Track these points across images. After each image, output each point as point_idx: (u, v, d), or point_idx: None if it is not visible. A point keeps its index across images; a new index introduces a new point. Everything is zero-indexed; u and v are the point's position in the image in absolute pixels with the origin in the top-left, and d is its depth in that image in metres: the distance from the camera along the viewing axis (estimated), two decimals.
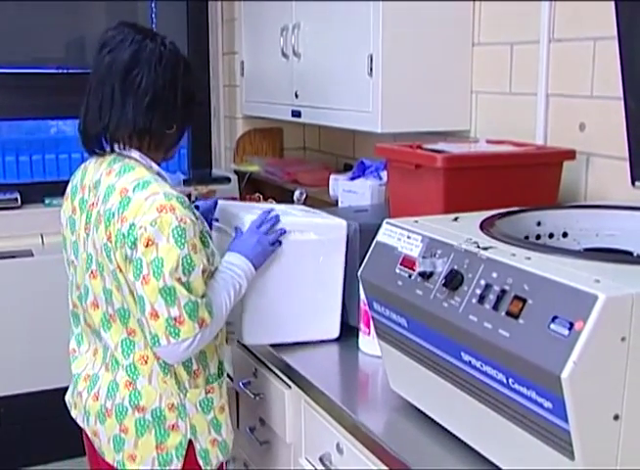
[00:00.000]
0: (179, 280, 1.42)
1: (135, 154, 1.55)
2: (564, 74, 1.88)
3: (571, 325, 0.94)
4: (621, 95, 1.55)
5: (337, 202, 2.28)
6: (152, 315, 1.43)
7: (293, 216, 1.77)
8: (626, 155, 1.58)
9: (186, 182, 2.90)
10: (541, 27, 1.91)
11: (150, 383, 1.54)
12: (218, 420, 1.64)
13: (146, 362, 1.54)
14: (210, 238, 1.63)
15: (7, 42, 3.14)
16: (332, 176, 2.39)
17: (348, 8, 2.21)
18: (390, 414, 1.46)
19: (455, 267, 1.16)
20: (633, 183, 1.62)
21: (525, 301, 1.02)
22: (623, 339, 0.95)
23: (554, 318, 0.97)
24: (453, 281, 1.14)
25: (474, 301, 1.10)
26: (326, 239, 1.74)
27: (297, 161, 3.08)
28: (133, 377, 1.54)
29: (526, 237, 1.47)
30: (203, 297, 1.47)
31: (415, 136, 2.15)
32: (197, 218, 1.53)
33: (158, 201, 1.43)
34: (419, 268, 1.21)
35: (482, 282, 1.10)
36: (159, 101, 1.53)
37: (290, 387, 1.73)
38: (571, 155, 1.72)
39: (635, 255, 1.41)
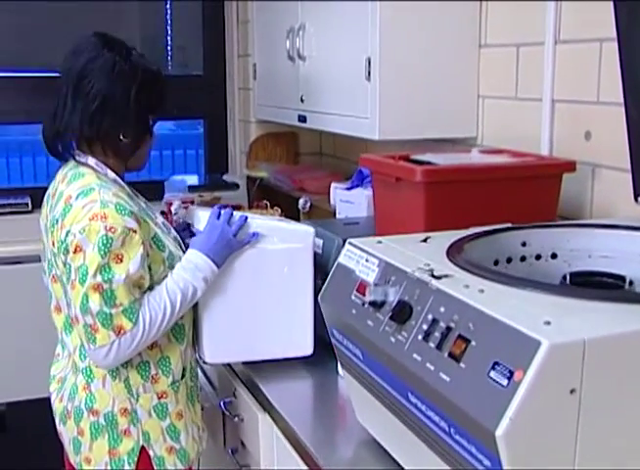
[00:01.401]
0: (97, 288, 1.42)
1: (91, 161, 1.55)
2: (569, 78, 1.74)
3: (511, 374, 0.82)
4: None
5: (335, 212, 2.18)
6: (76, 319, 1.47)
7: (255, 219, 1.65)
8: None
9: (192, 188, 2.82)
10: (547, 27, 1.76)
11: (104, 386, 1.55)
12: (176, 427, 1.61)
13: None
14: (179, 242, 1.61)
15: (35, 44, 3.11)
16: (332, 185, 2.27)
17: (349, 8, 2.10)
18: (357, 450, 1.34)
19: (406, 298, 1.05)
20: (636, 199, 1.47)
21: (468, 341, 0.90)
22: (573, 391, 0.82)
23: (495, 365, 0.85)
24: (400, 313, 1.02)
25: (420, 337, 0.98)
26: (291, 247, 1.63)
27: (306, 167, 2.97)
28: (89, 380, 1.55)
29: (509, 259, 1.34)
30: (133, 302, 1.44)
31: (424, 144, 2.04)
32: (141, 224, 1.47)
33: (93, 209, 1.43)
34: (369, 297, 1.09)
35: (430, 317, 0.98)
36: (107, 109, 1.51)
37: (265, 411, 1.63)
38: (570, 166, 1.58)
39: (628, 280, 1.26)
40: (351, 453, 1.35)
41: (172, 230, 1.63)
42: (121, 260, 1.42)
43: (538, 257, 1.36)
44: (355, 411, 1.34)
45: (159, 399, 1.57)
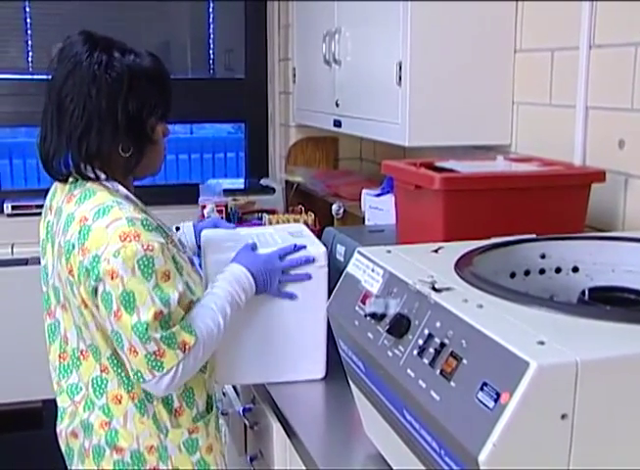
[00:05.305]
0: (156, 315, 1.30)
1: (102, 177, 1.40)
2: (604, 84, 1.67)
3: (498, 396, 0.78)
4: None
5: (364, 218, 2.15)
6: (130, 351, 1.33)
7: (267, 247, 1.59)
8: None
9: (227, 192, 2.81)
10: (581, 31, 1.70)
11: (125, 425, 1.44)
12: (206, 461, 1.53)
13: (120, 402, 1.44)
14: (192, 264, 1.52)
15: None
16: (363, 191, 2.24)
17: (381, 10, 2.07)
18: (365, 465, 1.31)
19: (405, 311, 1.01)
20: None
21: (460, 359, 0.86)
22: (564, 416, 0.78)
23: (483, 385, 0.80)
24: (397, 327, 0.99)
25: (415, 352, 0.95)
26: (304, 268, 1.58)
27: (343, 173, 2.94)
28: (107, 419, 1.44)
29: (527, 272, 1.29)
30: (186, 315, 1.35)
31: (464, 151, 2.01)
32: (169, 240, 1.41)
33: (120, 227, 1.30)
34: (369, 308, 1.06)
35: (426, 331, 0.95)
36: (94, 129, 1.36)
37: (279, 421, 1.61)
38: (599, 176, 1.51)
39: None
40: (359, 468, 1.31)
41: (183, 253, 1.53)
42: (169, 277, 1.32)
43: (558, 270, 1.31)
44: (363, 424, 1.31)
45: (190, 434, 1.49)
